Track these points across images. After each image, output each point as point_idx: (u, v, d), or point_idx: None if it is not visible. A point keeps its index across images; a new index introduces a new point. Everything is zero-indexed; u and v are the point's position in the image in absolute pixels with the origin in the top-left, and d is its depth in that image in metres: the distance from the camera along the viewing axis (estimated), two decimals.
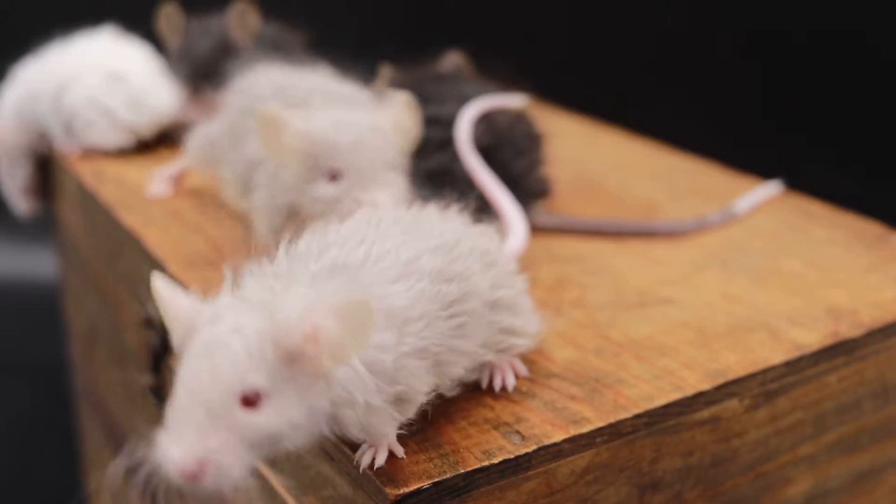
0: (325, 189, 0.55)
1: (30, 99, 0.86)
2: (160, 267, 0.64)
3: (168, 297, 0.39)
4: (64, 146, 0.85)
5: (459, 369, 0.45)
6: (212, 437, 0.35)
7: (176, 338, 0.38)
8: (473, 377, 0.48)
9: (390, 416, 0.42)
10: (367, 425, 0.41)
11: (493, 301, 0.47)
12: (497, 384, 0.49)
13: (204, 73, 0.84)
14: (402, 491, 0.42)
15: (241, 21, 0.84)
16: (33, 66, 0.87)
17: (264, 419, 0.36)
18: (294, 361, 0.37)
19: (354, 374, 0.39)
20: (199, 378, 0.36)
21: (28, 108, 0.86)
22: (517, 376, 0.50)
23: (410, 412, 0.43)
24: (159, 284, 0.39)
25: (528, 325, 0.50)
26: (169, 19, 0.85)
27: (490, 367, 0.49)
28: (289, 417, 0.37)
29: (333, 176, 0.55)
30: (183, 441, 0.35)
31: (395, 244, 0.44)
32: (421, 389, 0.42)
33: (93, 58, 0.86)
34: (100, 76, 0.84)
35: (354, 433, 0.41)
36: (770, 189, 0.75)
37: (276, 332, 0.37)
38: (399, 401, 0.42)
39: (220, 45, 0.84)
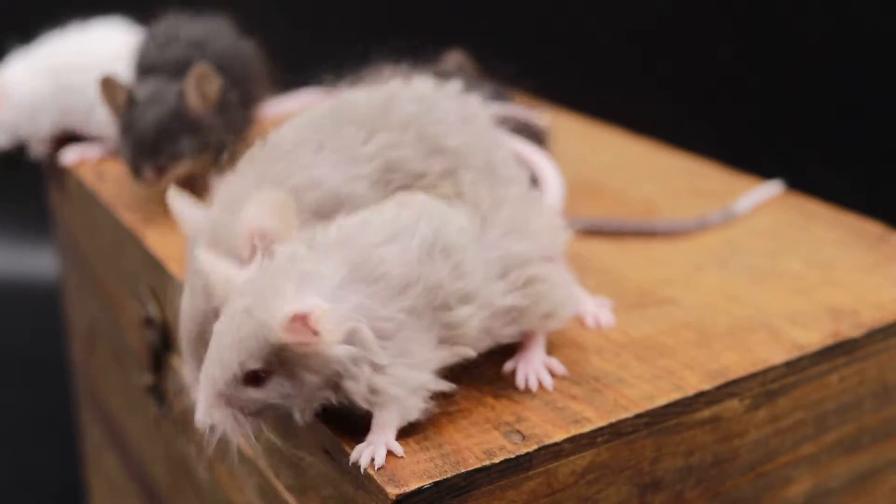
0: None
1: (54, 91, 0.83)
2: (160, 266, 0.64)
3: (213, 266, 0.45)
4: (82, 144, 0.83)
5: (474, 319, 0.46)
6: (217, 409, 0.43)
7: (218, 301, 0.45)
8: (484, 345, 0.48)
9: (397, 377, 0.44)
10: (374, 387, 0.43)
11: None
12: (533, 384, 0.49)
13: (153, 151, 0.69)
14: (402, 490, 0.42)
15: (200, 89, 0.70)
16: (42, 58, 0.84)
17: (264, 394, 0.43)
18: (288, 348, 0.42)
19: (354, 350, 0.43)
20: (214, 352, 0.43)
21: (49, 101, 0.83)
22: (553, 375, 0.50)
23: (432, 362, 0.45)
24: (204, 256, 0.46)
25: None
26: (108, 89, 0.70)
27: (524, 363, 0.50)
28: (288, 392, 0.43)
29: None
30: (199, 407, 0.44)
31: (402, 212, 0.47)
32: (424, 353, 0.45)
33: (119, 47, 0.83)
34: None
35: (362, 404, 0.44)
36: (770, 189, 0.75)
37: (269, 326, 0.42)
38: (401, 353, 0.44)
39: (173, 115, 0.69)
